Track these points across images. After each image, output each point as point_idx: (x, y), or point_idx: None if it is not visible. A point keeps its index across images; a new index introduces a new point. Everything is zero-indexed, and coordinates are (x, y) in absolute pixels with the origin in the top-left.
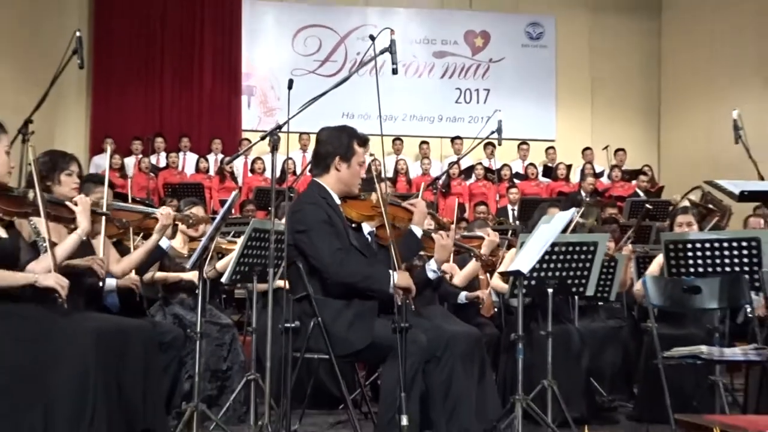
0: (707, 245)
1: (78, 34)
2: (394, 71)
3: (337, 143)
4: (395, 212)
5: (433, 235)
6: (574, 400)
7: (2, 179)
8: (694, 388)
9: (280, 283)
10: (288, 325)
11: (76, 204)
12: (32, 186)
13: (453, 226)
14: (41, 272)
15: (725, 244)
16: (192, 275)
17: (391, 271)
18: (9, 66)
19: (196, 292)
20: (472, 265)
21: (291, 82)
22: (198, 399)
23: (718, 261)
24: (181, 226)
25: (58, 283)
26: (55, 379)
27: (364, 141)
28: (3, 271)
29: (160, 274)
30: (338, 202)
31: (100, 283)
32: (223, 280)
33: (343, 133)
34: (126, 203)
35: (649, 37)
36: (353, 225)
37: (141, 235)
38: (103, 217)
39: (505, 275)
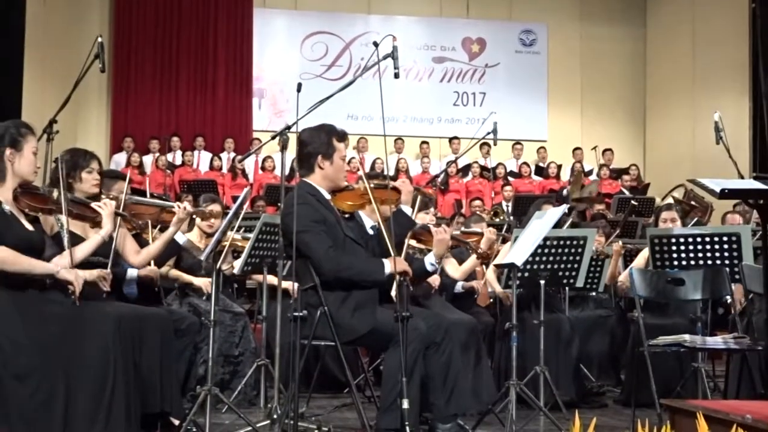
0: (690, 240)
1: (100, 39)
2: (396, 75)
3: (317, 143)
4: (384, 194)
5: (431, 228)
6: (565, 385)
7: (29, 178)
8: (677, 374)
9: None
10: (296, 313)
11: (101, 207)
12: (56, 185)
13: (449, 228)
14: (63, 267)
15: (707, 239)
16: (201, 281)
17: (384, 260)
18: (35, 69)
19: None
20: (472, 261)
21: (300, 85)
22: (211, 383)
23: (700, 255)
24: (199, 222)
25: (77, 280)
26: (78, 361)
27: (342, 136)
28: (28, 258)
29: (174, 272)
30: (328, 197)
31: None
32: (236, 271)
33: (322, 131)
34: (143, 198)
35: (634, 43)
36: (346, 216)
37: (158, 228)
38: (121, 210)
39: (500, 267)
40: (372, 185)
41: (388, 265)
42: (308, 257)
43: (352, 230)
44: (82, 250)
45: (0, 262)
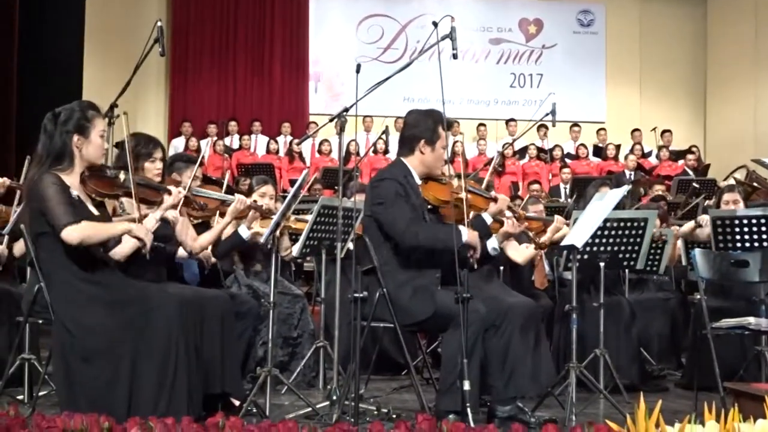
0: (754, 221)
1: (159, 23)
2: (455, 56)
3: (423, 127)
4: (474, 200)
5: (504, 220)
6: (625, 368)
7: (98, 161)
8: (739, 358)
9: (350, 245)
10: (357, 295)
11: (170, 193)
12: (124, 168)
13: (521, 223)
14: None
15: None
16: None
17: (461, 228)
18: (95, 53)
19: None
20: (531, 252)
21: (359, 66)
22: (271, 364)
23: (764, 236)
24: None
25: (147, 235)
26: (142, 343)
27: (449, 126)
28: (105, 225)
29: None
30: (419, 182)
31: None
32: (294, 253)
33: (429, 117)
34: (206, 190)
35: (695, 22)
36: (429, 207)
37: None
38: (180, 199)
39: (559, 250)
40: (468, 187)
41: (465, 233)
42: (388, 227)
43: (431, 221)
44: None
45: (86, 238)
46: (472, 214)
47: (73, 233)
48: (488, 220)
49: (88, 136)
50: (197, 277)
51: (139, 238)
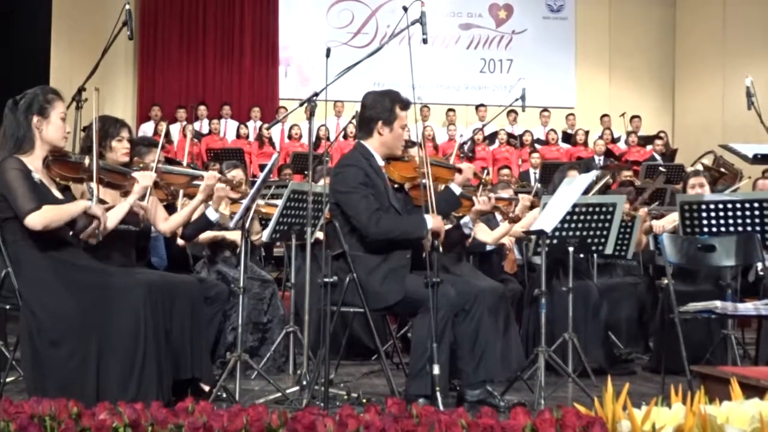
0: (721, 206)
1: (127, 7)
2: (425, 41)
3: (380, 108)
4: (439, 172)
5: (474, 198)
6: (593, 352)
7: (59, 144)
8: (706, 341)
9: (319, 235)
10: (327, 279)
11: (136, 179)
12: (88, 152)
13: (492, 195)
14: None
15: (738, 205)
16: (234, 235)
17: (425, 216)
18: (62, 37)
19: (238, 251)
20: (504, 227)
21: (329, 50)
22: (241, 349)
23: (731, 221)
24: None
25: (103, 215)
26: (110, 327)
27: (406, 105)
28: (63, 206)
29: (205, 235)
30: (381, 163)
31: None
32: (264, 238)
33: (386, 97)
34: (174, 167)
35: (664, 8)
36: (395, 186)
37: (188, 197)
38: (152, 181)
39: (528, 234)
40: (431, 160)
41: (430, 220)
42: (352, 218)
43: (399, 201)
44: (113, 217)
45: (49, 222)
46: (442, 187)
47: (36, 219)
48: (457, 190)
49: (47, 117)
50: (165, 261)
51: (95, 216)
